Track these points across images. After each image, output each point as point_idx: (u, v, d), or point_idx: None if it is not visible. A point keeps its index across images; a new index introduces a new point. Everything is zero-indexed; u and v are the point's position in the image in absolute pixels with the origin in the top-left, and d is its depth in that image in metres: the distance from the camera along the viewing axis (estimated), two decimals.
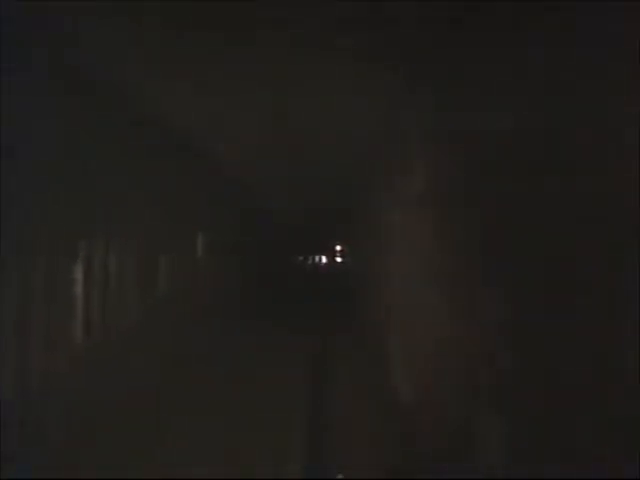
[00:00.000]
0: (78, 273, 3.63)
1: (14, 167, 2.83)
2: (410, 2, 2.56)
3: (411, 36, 2.96)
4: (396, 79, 3.70)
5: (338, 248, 23.02)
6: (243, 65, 3.53)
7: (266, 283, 14.36)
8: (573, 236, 1.54)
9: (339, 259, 22.76)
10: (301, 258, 24.46)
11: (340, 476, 3.57)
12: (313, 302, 14.12)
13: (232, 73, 3.71)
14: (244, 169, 7.89)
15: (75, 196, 3.57)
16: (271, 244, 15.62)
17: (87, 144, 3.72)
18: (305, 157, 6.78)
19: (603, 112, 1.40)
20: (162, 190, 5.33)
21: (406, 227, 4.35)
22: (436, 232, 3.29)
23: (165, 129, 5.20)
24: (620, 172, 1.31)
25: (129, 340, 4.37)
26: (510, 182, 2.01)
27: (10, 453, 2.65)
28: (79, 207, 3.64)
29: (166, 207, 5.45)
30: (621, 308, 1.30)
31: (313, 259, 25.53)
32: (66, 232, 3.47)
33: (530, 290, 1.82)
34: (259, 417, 4.70)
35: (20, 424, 2.84)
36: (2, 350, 2.78)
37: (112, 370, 4.02)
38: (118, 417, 3.90)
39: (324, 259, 25.75)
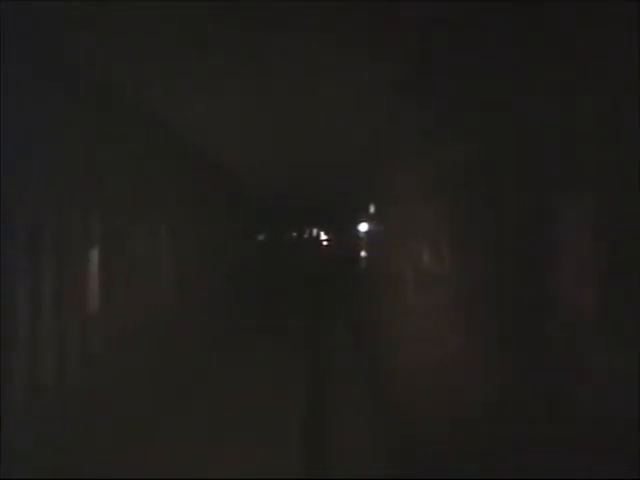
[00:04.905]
0: (78, 274, 3.61)
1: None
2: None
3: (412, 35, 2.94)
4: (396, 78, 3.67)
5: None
6: (241, 63, 3.51)
7: (266, 279, 14.27)
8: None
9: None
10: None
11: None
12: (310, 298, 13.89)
13: (231, 71, 3.69)
14: (245, 166, 7.87)
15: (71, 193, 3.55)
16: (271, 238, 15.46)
17: (85, 143, 3.70)
18: (304, 154, 6.76)
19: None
20: (161, 190, 5.32)
21: (408, 225, 4.33)
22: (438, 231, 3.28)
23: (162, 126, 5.18)
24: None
25: (127, 339, 4.35)
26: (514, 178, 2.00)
27: (10, 453, 2.64)
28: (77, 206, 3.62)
29: (164, 206, 5.44)
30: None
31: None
32: (64, 232, 3.45)
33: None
34: (258, 418, 4.70)
35: (20, 424, 2.84)
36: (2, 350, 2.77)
37: (111, 370, 4.01)
38: (117, 419, 3.89)
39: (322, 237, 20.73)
